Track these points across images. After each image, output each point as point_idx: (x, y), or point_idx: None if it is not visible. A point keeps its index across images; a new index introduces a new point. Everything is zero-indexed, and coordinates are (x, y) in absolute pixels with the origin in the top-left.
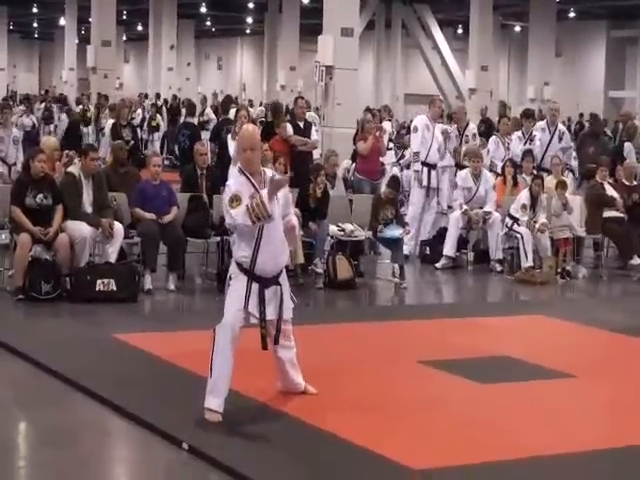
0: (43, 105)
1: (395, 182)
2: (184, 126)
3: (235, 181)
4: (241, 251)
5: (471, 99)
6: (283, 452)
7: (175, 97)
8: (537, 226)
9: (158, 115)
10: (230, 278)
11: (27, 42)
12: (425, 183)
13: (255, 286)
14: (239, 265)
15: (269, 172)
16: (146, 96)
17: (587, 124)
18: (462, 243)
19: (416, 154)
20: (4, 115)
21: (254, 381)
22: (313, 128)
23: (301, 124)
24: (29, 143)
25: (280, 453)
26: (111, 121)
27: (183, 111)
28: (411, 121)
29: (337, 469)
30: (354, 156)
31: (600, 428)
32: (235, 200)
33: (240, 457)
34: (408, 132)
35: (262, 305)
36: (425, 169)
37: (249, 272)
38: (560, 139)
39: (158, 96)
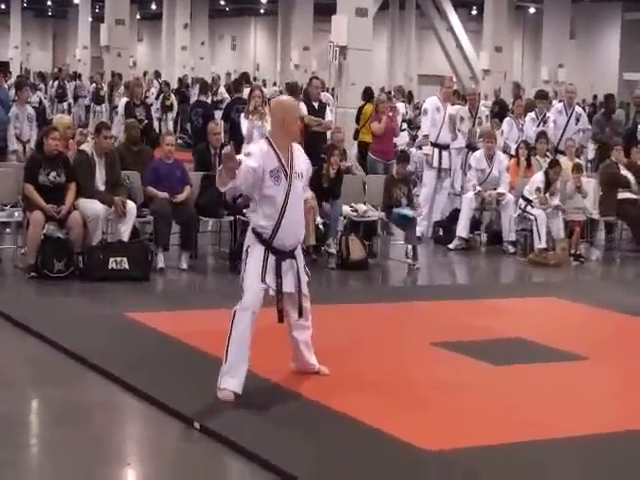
0: (56, 83)
1: (404, 156)
2: (197, 105)
3: (259, 149)
4: (262, 220)
5: (485, 80)
6: (296, 432)
7: (180, 80)
8: (553, 204)
9: (172, 95)
10: (247, 252)
11: (41, 20)
12: (436, 164)
13: (272, 258)
14: (258, 235)
15: (297, 147)
16: (159, 75)
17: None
18: (475, 224)
19: (425, 137)
20: (21, 92)
21: (268, 361)
22: (327, 108)
23: (315, 104)
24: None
25: (293, 433)
26: (125, 99)
27: (195, 91)
28: (424, 102)
29: (350, 450)
30: (355, 135)
31: (613, 410)
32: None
33: (252, 437)
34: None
35: (279, 277)
36: (436, 150)
37: (267, 243)
38: (577, 121)
39: (158, 75)
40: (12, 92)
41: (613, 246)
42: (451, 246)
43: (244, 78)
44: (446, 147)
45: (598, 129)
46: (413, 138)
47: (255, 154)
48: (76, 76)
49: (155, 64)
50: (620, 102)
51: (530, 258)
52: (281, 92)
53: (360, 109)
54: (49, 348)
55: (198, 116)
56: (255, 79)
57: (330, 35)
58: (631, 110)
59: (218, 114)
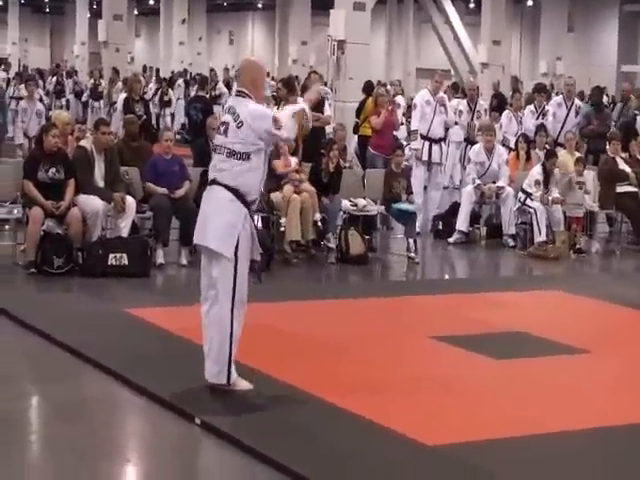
0: (54, 79)
1: (399, 148)
2: (195, 99)
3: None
4: (247, 179)
5: (483, 73)
6: (295, 428)
7: (170, 78)
8: (551, 198)
9: (170, 90)
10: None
11: (38, 16)
12: (425, 158)
13: (250, 227)
14: (241, 196)
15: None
16: (157, 71)
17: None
18: (475, 218)
19: (414, 132)
20: (29, 88)
21: (266, 356)
22: (326, 103)
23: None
24: None
25: (292, 429)
26: (123, 95)
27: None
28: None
29: (350, 444)
30: (355, 129)
31: (616, 404)
32: (276, 121)
33: (253, 433)
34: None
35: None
36: (426, 144)
37: (247, 204)
38: (577, 114)
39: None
40: (10, 89)
41: (613, 239)
42: (451, 240)
43: None
44: (437, 141)
45: (585, 122)
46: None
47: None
48: (74, 72)
49: (153, 60)
50: (620, 95)
51: (530, 251)
52: (279, 88)
53: (362, 103)
54: (49, 344)
55: (197, 111)
56: None
57: (328, 29)
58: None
59: (217, 109)
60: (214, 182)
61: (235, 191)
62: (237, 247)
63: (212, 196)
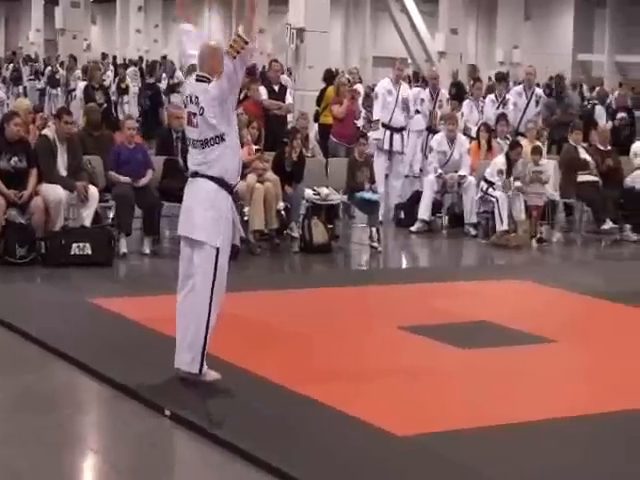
0: (11, 66)
1: (362, 137)
2: (146, 87)
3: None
4: (228, 162)
5: (440, 62)
6: (265, 418)
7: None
8: (513, 186)
9: (127, 78)
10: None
11: None
12: (387, 147)
13: (233, 213)
14: (225, 184)
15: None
16: (114, 58)
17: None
18: (437, 207)
19: (376, 121)
20: None
21: (233, 347)
22: (287, 92)
23: (276, 87)
24: None
25: (262, 419)
26: (83, 83)
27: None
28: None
29: (318, 434)
30: (316, 117)
31: (581, 394)
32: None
33: (223, 424)
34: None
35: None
36: (387, 133)
37: (230, 190)
38: (537, 103)
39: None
40: None
41: (573, 228)
42: (413, 229)
43: None
44: (399, 130)
45: (548, 112)
46: (369, 121)
47: None
48: (33, 59)
49: (109, 47)
50: (573, 83)
51: (492, 240)
52: None
53: (322, 91)
54: (11, 333)
55: (146, 98)
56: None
57: (285, 17)
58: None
59: (177, 98)
60: (197, 174)
61: (219, 180)
62: (220, 233)
63: (196, 188)
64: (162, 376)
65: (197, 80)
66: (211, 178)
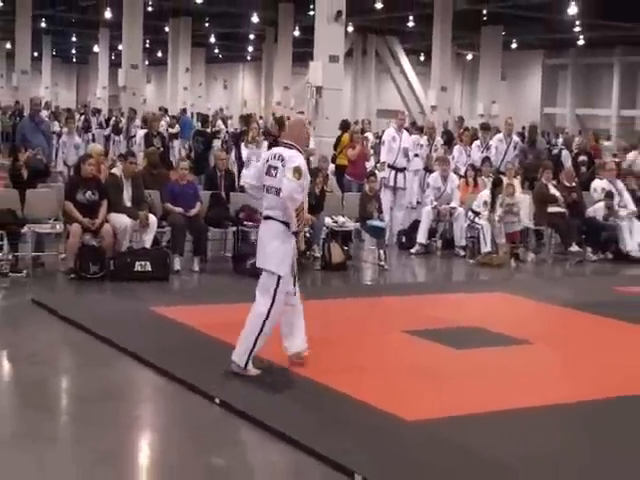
0: (82, 117)
1: (372, 175)
2: (198, 134)
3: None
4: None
5: (432, 114)
6: (301, 407)
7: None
8: (496, 216)
9: (177, 125)
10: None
11: (67, 65)
12: (392, 184)
13: (293, 250)
14: (286, 224)
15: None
16: (166, 111)
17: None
18: (432, 233)
19: (382, 163)
20: (68, 124)
21: (279, 349)
22: (310, 139)
23: None
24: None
25: (297, 407)
26: (143, 131)
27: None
28: (383, 132)
29: (344, 419)
30: (333, 159)
31: (554, 386)
32: (298, 172)
33: (265, 410)
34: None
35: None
36: (392, 172)
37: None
38: (515, 148)
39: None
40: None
41: (544, 250)
42: (413, 251)
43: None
44: (401, 170)
45: (523, 156)
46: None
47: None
48: (100, 111)
49: (161, 101)
50: (542, 131)
51: (478, 260)
52: (272, 125)
53: (338, 138)
54: (87, 336)
55: (199, 143)
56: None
57: (306, 77)
58: (555, 139)
59: (216, 143)
60: (269, 217)
61: (286, 224)
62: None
63: (268, 228)
64: (212, 371)
65: (283, 145)
66: (279, 221)
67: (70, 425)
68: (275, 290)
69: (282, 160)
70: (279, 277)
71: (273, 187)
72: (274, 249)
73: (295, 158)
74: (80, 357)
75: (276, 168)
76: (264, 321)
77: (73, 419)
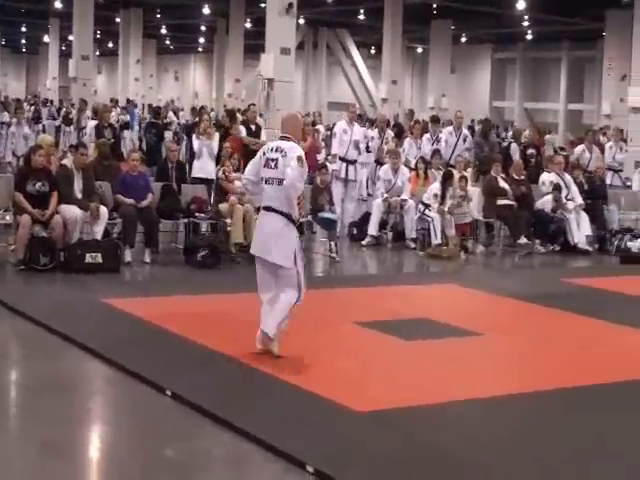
0: (32, 107)
1: (323, 167)
2: (150, 125)
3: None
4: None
5: (383, 107)
6: (252, 398)
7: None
8: (446, 209)
9: (128, 116)
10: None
11: (16, 55)
12: (343, 176)
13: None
14: (291, 219)
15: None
16: (117, 102)
17: (477, 128)
18: (383, 225)
19: (334, 155)
20: (17, 115)
21: (230, 341)
22: (262, 130)
23: (253, 127)
24: None
25: (249, 398)
26: (93, 122)
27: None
28: (334, 124)
29: (295, 410)
30: None
31: (504, 377)
32: (301, 160)
33: (215, 401)
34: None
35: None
36: (343, 165)
37: (294, 223)
38: (464, 141)
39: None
40: None
41: (493, 242)
42: (363, 243)
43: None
44: (352, 162)
45: (479, 149)
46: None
47: None
48: (50, 102)
49: (112, 92)
50: (490, 125)
51: (428, 252)
52: (223, 117)
53: None
54: (37, 328)
55: (152, 135)
56: (202, 107)
57: (258, 69)
58: (505, 132)
59: (167, 134)
60: (270, 209)
61: (287, 216)
62: (295, 257)
63: (269, 220)
64: (163, 363)
65: (281, 138)
66: (281, 213)
67: (18, 417)
68: (298, 277)
69: (282, 152)
70: (296, 266)
71: (273, 178)
72: (279, 242)
73: (296, 148)
74: (29, 349)
75: (275, 160)
76: (294, 304)
77: (22, 411)
